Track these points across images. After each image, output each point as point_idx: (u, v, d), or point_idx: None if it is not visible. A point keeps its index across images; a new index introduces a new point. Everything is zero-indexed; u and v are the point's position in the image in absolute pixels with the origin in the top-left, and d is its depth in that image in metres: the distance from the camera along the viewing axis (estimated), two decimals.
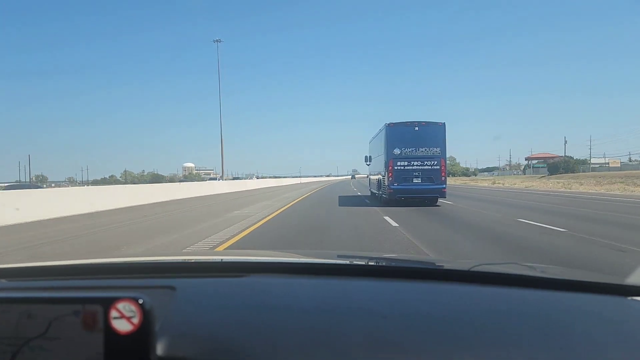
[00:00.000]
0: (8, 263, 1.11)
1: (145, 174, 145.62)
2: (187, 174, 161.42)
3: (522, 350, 0.61)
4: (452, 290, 0.88)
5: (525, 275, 1.03)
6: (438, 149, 14.27)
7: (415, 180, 14.41)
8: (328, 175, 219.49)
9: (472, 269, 0.98)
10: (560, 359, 0.60)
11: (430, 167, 14.29)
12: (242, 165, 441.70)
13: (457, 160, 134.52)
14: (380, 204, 15.30)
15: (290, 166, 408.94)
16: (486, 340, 0.64)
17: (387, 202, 15.00)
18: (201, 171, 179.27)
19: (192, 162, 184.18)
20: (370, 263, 1.23)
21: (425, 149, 14.33)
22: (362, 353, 0.60)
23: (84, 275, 1.01)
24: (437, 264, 1.29)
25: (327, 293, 0.86)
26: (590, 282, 0.93)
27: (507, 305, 0.80)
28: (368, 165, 21.57)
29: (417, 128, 14.49)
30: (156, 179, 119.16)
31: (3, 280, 0.92)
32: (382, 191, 15.82)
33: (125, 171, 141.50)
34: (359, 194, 24.11)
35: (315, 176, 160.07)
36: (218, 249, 6.32)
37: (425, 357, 0.59)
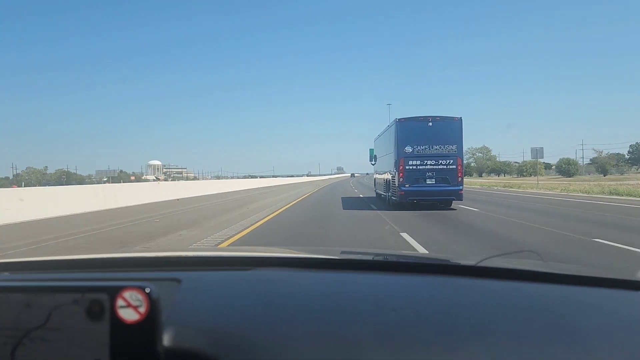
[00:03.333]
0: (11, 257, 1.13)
1: (53, 172, 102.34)
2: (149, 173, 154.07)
3: (533, 343, 0.61)
4: (462, 283, 0.87)
5: (536, 270, 1.00)
6: (454, 147, 12.96)
7: (428, 181, 13.06)
8: (308, 174, 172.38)
9: (482, 264, 0.98)
10: (572, 353, 0.59)
11: (445, 167, 12.97)
12: (215, 163, 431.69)
13: (494, 153, 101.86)
14: (390, 208, 13.86)
15: (271, 163, 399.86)
16: (497, 333, 0.64)
17: (396, 205, 13.61)
18: (172, 170, 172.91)
19: (159, 160, 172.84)
20: (376, 258, 1.23)
21: (440, 147, 13.00)
22: (370, 346, 0.59)
23: (88, 269, 1.02)
24: (445, 259, 1.22)
25: (334, 286, 0.84)
26: (601, 278, 0.93)
27: (518, 299, 0.79)
28: (373, 164, 20.21)
29: (430, 123, 13.15)
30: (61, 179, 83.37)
31: (6, 273, 0.92)
32: (391, 193, 14.41)
33: (13, 170, 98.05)
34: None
35: (291, 176, 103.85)
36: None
37: (435, 350, 0.58)
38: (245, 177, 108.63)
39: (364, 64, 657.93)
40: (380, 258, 1.23)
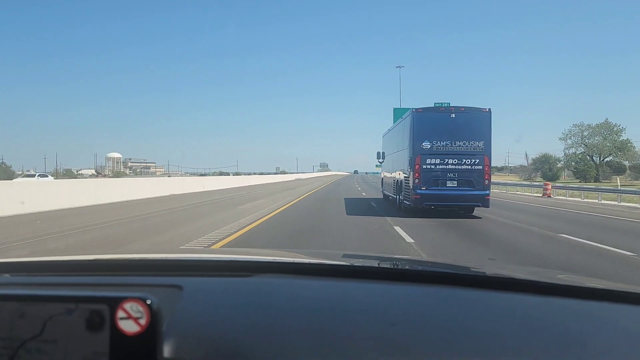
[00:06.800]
0: (11, 257, 1.12)
1: None
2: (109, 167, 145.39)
3: (536, 358, 0.60)
4: (464, 295, 0.85)
5: (541, 282, 0.95)
6: (481, 143, 10.94)
7: (449, 184, 11.00)
8: (279, 172, 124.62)
9: (487, 274, 0.96)
10: None
11: (470, 167, 10.95)
12: (188, 159, 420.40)
13: (632, 140, 52.51)
14: (401, 213, 11.69)
15: (255, 159, 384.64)
16: (500, 347, 0.63)
17: (409, 210, 11.50)
18: (137, 164, 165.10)
19: (119, 152, 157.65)
20: (378, 265, 1.21)
21: (464, 143, 10.96)
22: (369, 357, 0.58)
23: (89, 272, 1.00)
24: (448, 268, 1.18)
25: (335, 295, 0.83)
26: (607, 290, 0.91)
27: (523, 312, 0.77)
28: (381, 162, 18.06)
29: (453, 115, 11.10)
30: None
31: (7, 275, 0.90)
32: (403, 196, 12.27)
33: None
34: None
35: (261, 174, 75.63)
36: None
37: None
38: (214, 174, 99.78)
39: (359, 57, 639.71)
40: (385, 265, 1.22)
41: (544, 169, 58.70)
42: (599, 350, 0.63)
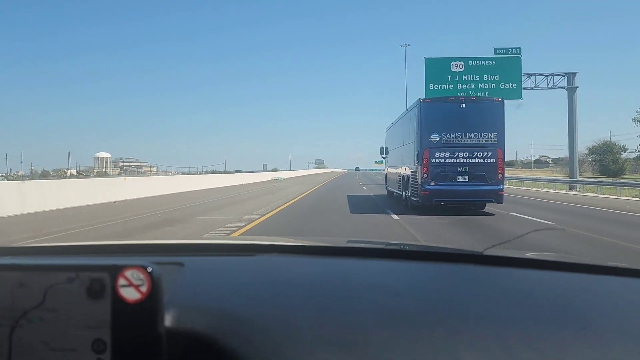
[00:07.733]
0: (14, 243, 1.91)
1: None
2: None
3: (540, 328, 0.60)
4: (468, 270, 0.87)
5: (541, 259, 1.00)
6: (494, 135, 10.28)
7: (460, 179, 10.32)
8: (269, 170, 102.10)
9: (488, 252, 0.96)
10: (578, 337, 0.58)
11: (482, 161, 10.29)
12: (172, 157, 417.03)
13: None
14: (409, 211, 10.98)
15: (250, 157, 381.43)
16: (503, 318, 0.63)
17: (416, 207, 10.80)
18: (128, 164, 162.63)
19: (108, 152, 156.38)
20: (381, 247, 1.23)
21: (476, 135, 10.30)
22: (373, 328, 0.59)
23: (92, 254, 1.02)
24: (450, 250, 1.19)
25: (338, 270, 0.84)
26: (608, 266, 0.93)
27: (525, 286, 0.79)
28: (384, 157, 17.27)
29: (463, 105, 10.45)
30: None
31: (8, 257, 0.89)
32: (410, 192, 11.55)
33: None
34: None
35: (252, 172, 64.82)
36: None
37: (440, 332, 0.58)
38: (207, 172, 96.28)
39: (359, 56, 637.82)
40: (390, 246, 1.24)
41: (606, 161, 44.86)
42: (598, 318, 0.64)
